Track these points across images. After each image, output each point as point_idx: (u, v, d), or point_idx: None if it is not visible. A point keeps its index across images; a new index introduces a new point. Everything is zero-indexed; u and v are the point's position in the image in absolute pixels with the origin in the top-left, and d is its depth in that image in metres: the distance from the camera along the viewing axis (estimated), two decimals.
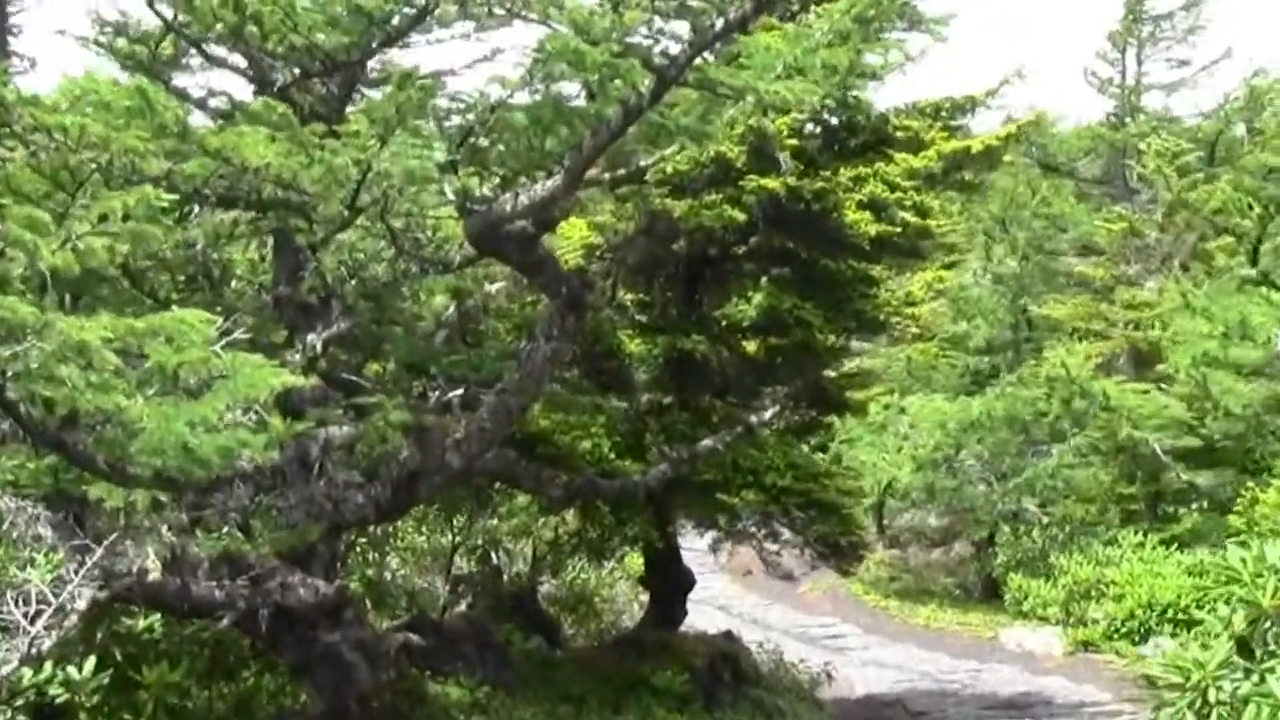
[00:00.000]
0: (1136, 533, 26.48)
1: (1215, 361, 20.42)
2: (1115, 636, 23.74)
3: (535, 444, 14.89)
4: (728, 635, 17.83)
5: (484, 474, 13.75)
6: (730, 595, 26.02)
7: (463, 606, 17.36)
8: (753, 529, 16.85)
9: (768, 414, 15.24)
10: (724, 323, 16.27)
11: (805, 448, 17.74)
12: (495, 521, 18.19)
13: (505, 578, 18.21)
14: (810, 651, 23.72)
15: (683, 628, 17.75)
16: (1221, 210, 23.05)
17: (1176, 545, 25.59)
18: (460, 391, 12.56)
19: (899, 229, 15.91)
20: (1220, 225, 29.00)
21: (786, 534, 16.79)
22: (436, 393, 12.68)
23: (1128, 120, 36.33)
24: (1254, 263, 19.66)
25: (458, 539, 18.87)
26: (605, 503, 15.64)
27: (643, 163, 12.87)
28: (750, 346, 16.50)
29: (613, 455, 15.40)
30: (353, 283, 13.27)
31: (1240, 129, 33.83)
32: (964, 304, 32.09)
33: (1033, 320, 31.22)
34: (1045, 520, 28.34)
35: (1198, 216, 28.39)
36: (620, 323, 16.34)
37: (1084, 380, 23.14)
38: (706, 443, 14.71)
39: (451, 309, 14.25)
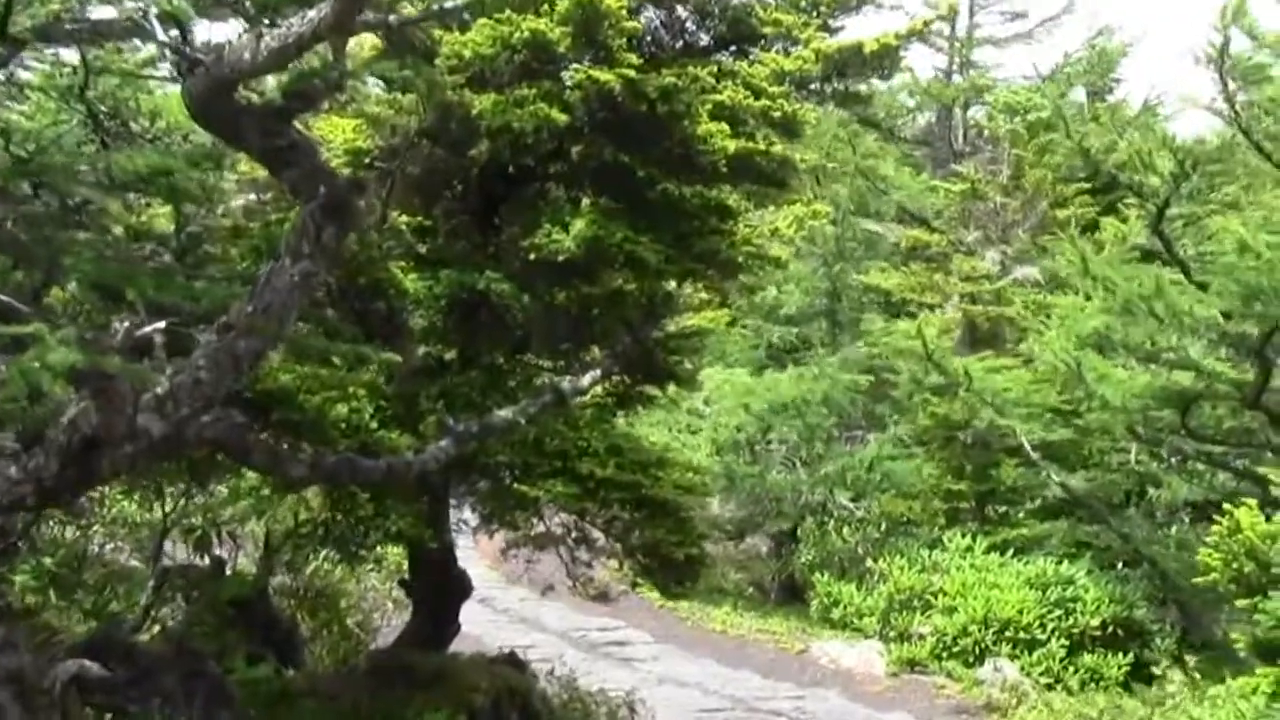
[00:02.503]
0: (964, 535, 23.40)
1: (1108, 342, 17.30)
2: (945, 655, 20.74)
3: (272, 406, 10.98)
4: (512, 660, 14.03)
5: (199, 445, 9.80)
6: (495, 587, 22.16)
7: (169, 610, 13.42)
8: (559, 531, 13.00)
9: (586, 380, 11.43)
10: (531, 258, 12.30)
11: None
12: (223, 497, 14.23)
13: (229, 571, 14.25)
14: (594, 664, 20.05)
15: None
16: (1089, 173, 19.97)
17: (1010, 551, 22.59)
18: (162, 325, 8.66)
19: (762, 148, 12.31)
20: (1067, 194, 26.16)
21: (602, 539, 13.03)
22: (125, 324, 8.72)
23: (956, 77, 33.07)
24: (1158, 231, 16.57)
25: (170, 516, 14.84)
26: (365, 488, 11.71)
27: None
28: (565, 291, 12.73)
29: (376, 425, 11.53)
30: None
31: (1080, 92, 31.10)
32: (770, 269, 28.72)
33: (851, 291, 27.97)
34: (859, 516, 25.11)
35: (1046, 181, 25.37)
36: (393, 251, 12.42)
37: (941, 355, 19.77)
38: (503, 414, 10.90)
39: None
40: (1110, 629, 20.62)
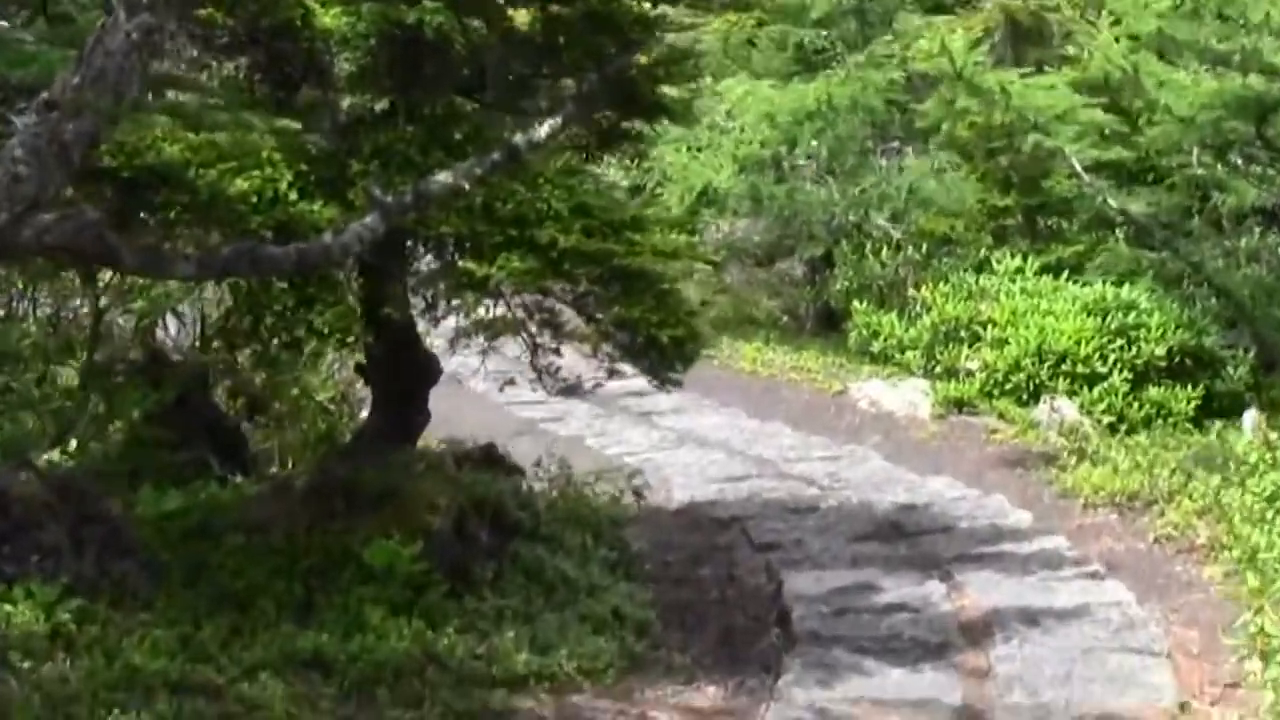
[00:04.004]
0: (1013, 255, 21.22)
1: (1171, 44, 14.95)
2: (997, 394, 18.58)
3: (158, 186, 8.94)
4: (487, 456, 12.09)
5: (40, 252, 7.76)
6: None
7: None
8: (520, 313, 10.90)
9: (543, 129, 9.17)
10: None
11: (605, 178, 11.88)
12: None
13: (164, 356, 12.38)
14: (608, 422, 18.24)
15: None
16: None
17: (1065, 273, 20.46)
18: None
19: None
20: None
21: (573, 320, 10.95)
22: None
23: None
24: None
25: (102, 302, 12.94)
26: (281, 277, 9.65)
27: None
28: (521, 16, 10.53)
29: (295, 197, 9.48)
30: None
31: None
32: None
33: None
34: (897, 238, 22.92)
35: None
36: None
37: (971, 70, 17.29)
38: (441, 178, 8.69)
39: None
40: (1177, 358, 18.51)
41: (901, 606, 11.17)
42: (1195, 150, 18.37)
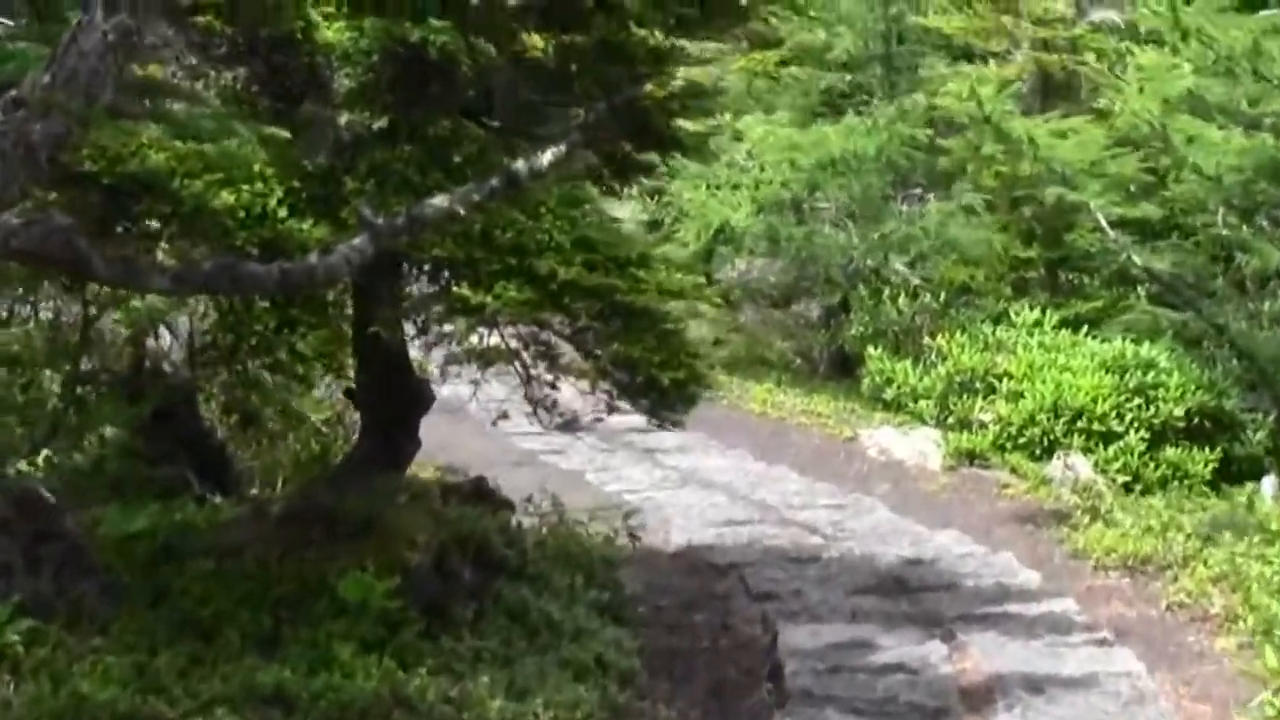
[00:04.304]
0: (1032, 307, 20.84)
1: (1201, 105, 14.58)
2: (1009, 447, 18.20)
3: (140, 194, 8.57)
4: (476, 489, 11.69)
5: (8, 257, 7.41)
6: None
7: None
8: (514, 344, 10.49)
9: (546, 156, 8.80)
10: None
11: (611, 212, 11.47)
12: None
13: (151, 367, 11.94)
14: (610, 458, 17.87)
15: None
16: None
17: (1084, 329, 20.06)
18: None
19: None
20: None
21: (571, 354, 10.55)
22: None
23: None
24: None
25: (92, 309, 12.49)
26: (265, 297, 9.26)
27: None
28: (533, 41, 10.16)
29: (285, 214, 9.11)
30: None
31: None
32: (819, 7, 25.72)
33: (908, 34, 24.83)
34: (915, 284, 22.49)
35: None
36: None
37: (1000, 117, 16.88)
38: (437, 202, 8.32)
39: None
40: (1196, 419, 18.09)
41: (900, 667, 10.69)
42: (1220, 210, 17.98)
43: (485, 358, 10.27)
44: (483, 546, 10.41)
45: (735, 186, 23.98)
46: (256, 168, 9.17)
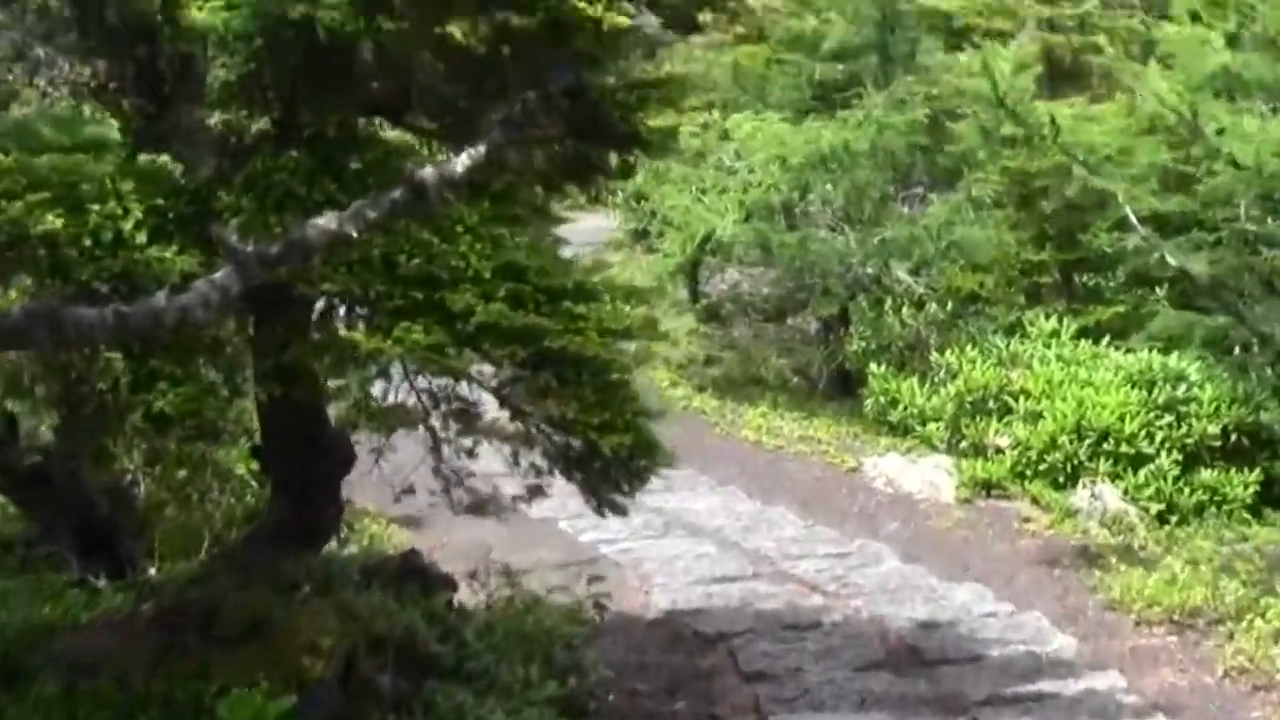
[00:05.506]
0: (1048, 316, 19.10)
1: (1239, 84, 12.84)
2: (1029, 475, 16.48)
3: None
4: (405, 565, 9.77)
5: None
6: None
7: None
8: (423, 400, 8.54)
9: (459, 162, 6.92)
10: None
11: (550, 231, 9.50)
12: None
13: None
14: (585, 502, 15.97)
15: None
16: None
17: (1106, 338, 18.32)
18: None
19: None
20: None
21: (494, 412, 8.60)
22: None
23: None
24: None
25: None
26: (110, 346, 7.39)
27: None
28: (459, 28, 8.28)
29: (145, 239, 7.28)
30: None
31: None
32: None
33: (905, 19, 23.17)
34: (920, 293, 20.70)
35: None
36: None
37: (1018, 97, 15.08)
38: (321, 223, 6.43)
39: None
40: (1233, 437, 16.39)
41: None
42: (1243, 204, 16.26)
43: (384, 420, 8.32)
44: (406, 645, 8.50)
45: (722, 191, 22.33)
46: (107, 182, 7.31)
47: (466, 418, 8.59)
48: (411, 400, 8.59)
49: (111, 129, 6.91)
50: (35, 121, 7.40)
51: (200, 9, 7.83)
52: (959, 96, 17.62)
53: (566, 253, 9.79)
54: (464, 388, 8.53)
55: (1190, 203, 16.62)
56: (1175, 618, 11.97)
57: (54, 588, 9.25)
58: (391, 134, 8.83)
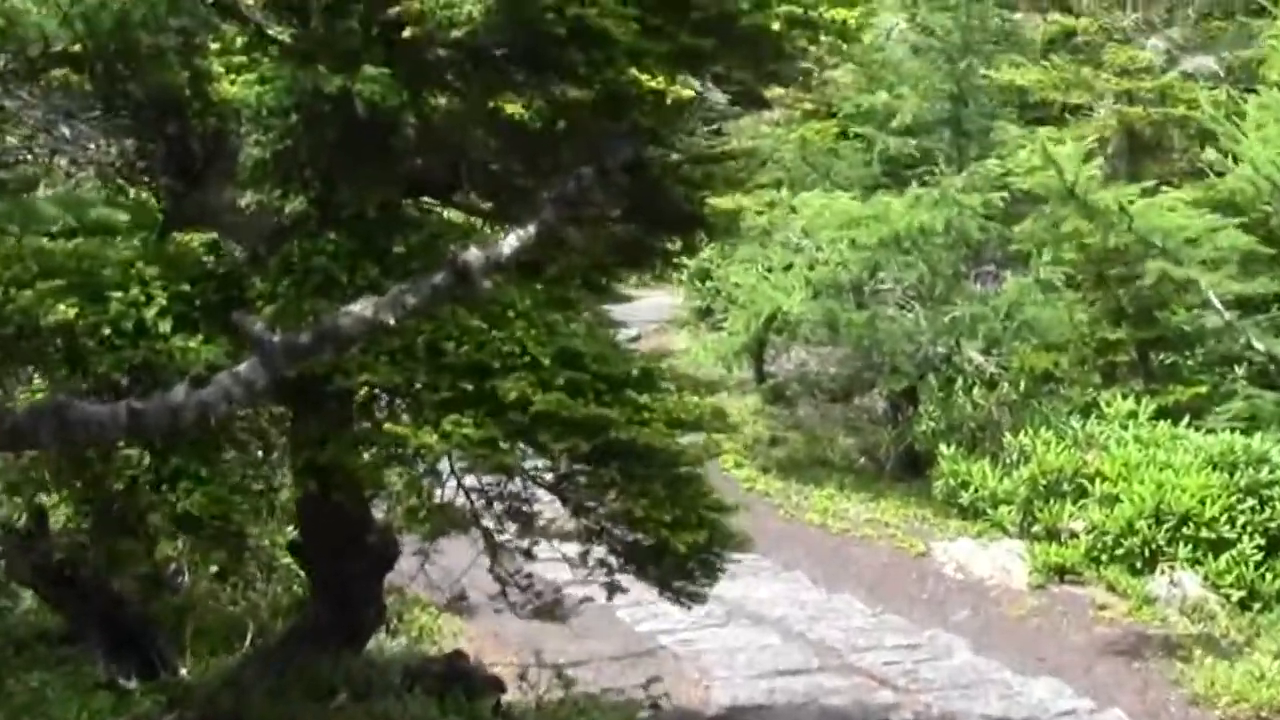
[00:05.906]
0: (1125, 396, 18.48)
1: None
2: (1105, 560, 15.84)
3: None
4: (453, 666, 9.31)
5: None
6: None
7: None
8: (473, 498, 8.09)
9: (508, 244, 6.51)
10: (440, 44, 7.42)
11: (608, 315, 9.07)
12: None
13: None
14: (646, 589, 15.51)
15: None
16: None
17: (1185, 419, 17.69)
18: None
19: None
20: None
21: (552, 510, 8.14)
22: None
23: None
24: None
25: None
26: (129, 443, 6.97)
27: None
28: (510, 100, 7.87)
29: (169, 328, 6.88)
30: None
31: None
32: (879, 69, 23.70)
33: (979, 93, 22.63)
34: (991, 373, 20.14)
35: None
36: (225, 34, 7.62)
37: (1084, 185, 14.54)
38: (356, 309, 6.04)
39: None
40: None
41: None
42: None
43: (433, 521, 7.84)
44: None
45: (788, 267, 21.89)
46: (132, 268, 6.92)
47: (523, 516, 8.12)
48: (460, 499, 8.09)
49: (120, 212, 6.51)
50: (40, 202, 7.04)
51: (232, 83, 7.48)
52: (1030, 175, 17.13)
53: (630, 331, 9.35)
54: (516, 483, 8.06)
55: (1272, 284, 16.06)
56: (1264, 714, 11.48)
57: (85, 685, 8.82)
58: (440, 214, 8.38)
